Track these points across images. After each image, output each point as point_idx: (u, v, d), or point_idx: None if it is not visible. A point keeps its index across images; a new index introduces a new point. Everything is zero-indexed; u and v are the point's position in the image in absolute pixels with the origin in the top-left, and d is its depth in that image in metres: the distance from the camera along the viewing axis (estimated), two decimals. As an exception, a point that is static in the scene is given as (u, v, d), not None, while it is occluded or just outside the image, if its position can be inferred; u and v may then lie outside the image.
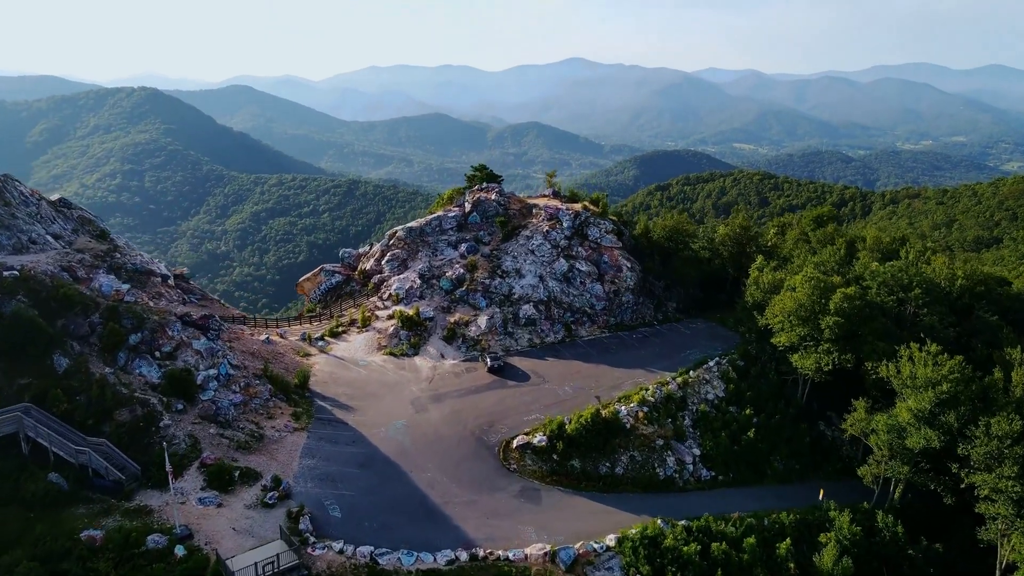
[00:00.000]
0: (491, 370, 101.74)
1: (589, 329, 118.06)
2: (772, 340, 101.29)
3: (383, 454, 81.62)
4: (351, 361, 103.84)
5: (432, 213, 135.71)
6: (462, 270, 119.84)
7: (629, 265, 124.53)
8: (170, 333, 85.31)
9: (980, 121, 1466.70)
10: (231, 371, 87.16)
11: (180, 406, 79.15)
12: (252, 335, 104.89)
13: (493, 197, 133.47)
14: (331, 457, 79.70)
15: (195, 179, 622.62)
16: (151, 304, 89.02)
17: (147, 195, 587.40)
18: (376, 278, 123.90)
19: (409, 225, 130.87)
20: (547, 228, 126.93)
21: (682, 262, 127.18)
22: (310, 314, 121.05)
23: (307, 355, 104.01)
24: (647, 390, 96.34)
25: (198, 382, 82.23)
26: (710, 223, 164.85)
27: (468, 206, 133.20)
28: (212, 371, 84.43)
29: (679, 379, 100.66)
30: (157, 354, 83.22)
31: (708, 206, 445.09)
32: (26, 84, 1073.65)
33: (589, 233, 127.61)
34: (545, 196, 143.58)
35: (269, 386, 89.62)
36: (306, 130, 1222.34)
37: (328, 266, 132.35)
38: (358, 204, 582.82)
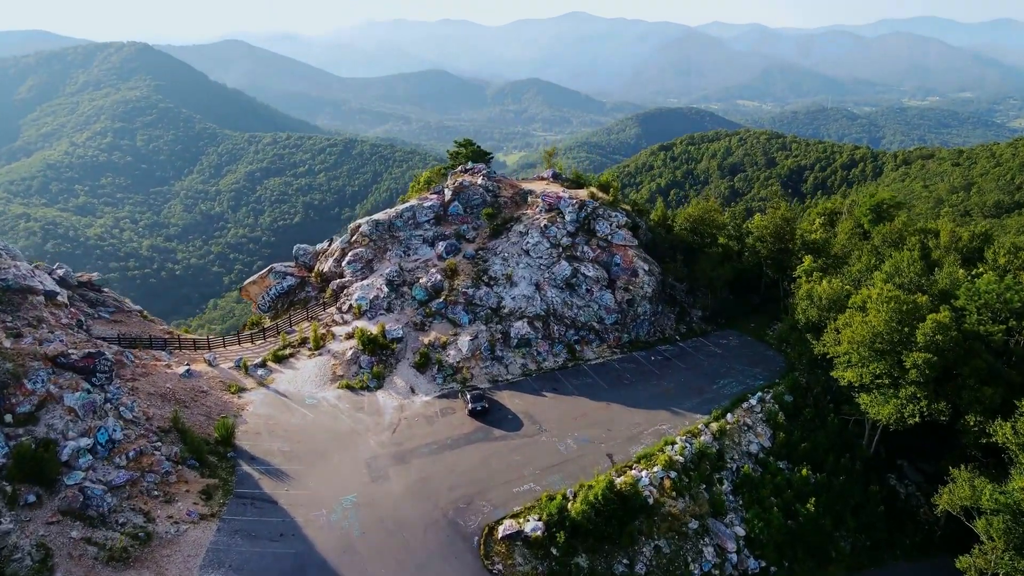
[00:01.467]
0: (473, 413, 79.01)
1: (597, 349, 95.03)
2: (834, 374, 78.83)
3: (320, 555, 59.48)
4: (296, 399, 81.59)
5: (404, 202, 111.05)
6: (439, 276, 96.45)
7: (647, 268, 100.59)
8: (30, 386, 62.33)
9: (987, 76, 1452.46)
10: (118, 434, 64.38)
11: (32, 497, 56.40)
12: (169, 367, 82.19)
13: (479, 182, 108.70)
14: (246, 564, 57.40)
15: (187, 138, 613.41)
16: (6, 343, 65.70)
17: (139, 154, 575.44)
18: (335, 283, 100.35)
19: (375, 217, 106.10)
20: (545, 222, 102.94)
21: (711, 262, 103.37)
22: (252, 330, 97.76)
23: (240, 391, 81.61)
24: (673, 444, 73.95)
25: (63, 458, 59.34)
26: (738, 209, 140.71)
27: (448, 193, 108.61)
28: (86, 440, 61.49)
29: (714, 425, 78.21)
30: (9, 418, 60.21)
31: (713, 167, 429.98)
32: (13, 39, 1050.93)
33: (597, 228, 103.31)
34: (543, 179, 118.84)
35: (176, 447, 67.25)
36: (302, 87, 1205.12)
37: (279, 266, 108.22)
38: (355, 163, 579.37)
